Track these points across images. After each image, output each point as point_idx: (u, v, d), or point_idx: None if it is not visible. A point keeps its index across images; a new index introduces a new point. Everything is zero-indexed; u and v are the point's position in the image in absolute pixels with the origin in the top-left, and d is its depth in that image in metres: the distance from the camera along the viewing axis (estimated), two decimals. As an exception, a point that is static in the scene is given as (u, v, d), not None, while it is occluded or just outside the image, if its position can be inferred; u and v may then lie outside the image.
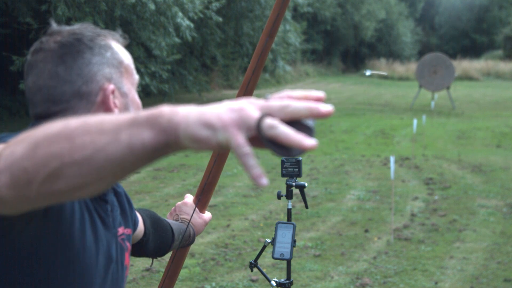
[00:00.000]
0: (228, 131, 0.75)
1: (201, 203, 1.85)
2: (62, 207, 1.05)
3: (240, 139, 0.75)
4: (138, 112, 0.80)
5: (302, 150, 0.76)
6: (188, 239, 1.76)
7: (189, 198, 1.86)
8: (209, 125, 0.76)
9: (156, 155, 0.79)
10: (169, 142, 0.78)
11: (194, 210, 1.81)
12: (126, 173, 0.80)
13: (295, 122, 0.78)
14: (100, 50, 1.20)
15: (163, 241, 1.64)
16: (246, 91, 1.81)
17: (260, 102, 0.79)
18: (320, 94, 0.81)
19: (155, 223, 1.62)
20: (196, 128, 0.76)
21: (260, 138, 0.76)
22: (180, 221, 1.77)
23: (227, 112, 0.76)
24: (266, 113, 0.77)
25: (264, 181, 0.77)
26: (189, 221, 1.79)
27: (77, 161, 0.77)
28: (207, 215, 1.86)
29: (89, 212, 1.16)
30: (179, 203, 1.84)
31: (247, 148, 0.75)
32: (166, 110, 0.78)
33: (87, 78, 1.17)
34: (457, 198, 7.61)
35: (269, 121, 0.75)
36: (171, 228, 1.68)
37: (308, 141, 0.75)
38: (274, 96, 0.81)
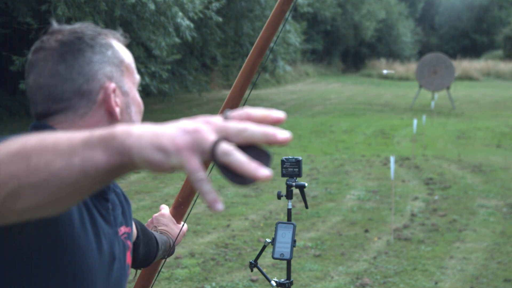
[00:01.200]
0: (181, 155, 0.72)
1: (179, 214, 1.85)
2: None
3: (194, 164, 0.72)
4: (93, 131, 0.77)
5: (256, 180, 0.72)
6: (169, 249, 1.75)
7: (166, 209, 1.86)
8: (162, 149, 0.73)
9: (113, 176, 0.77)
10: (124, 164, 0.75)
11: (184, 222, 1.81)
12: (85, 194, 0.79)
13: (253, 146, 0.75)
14: (101, 48, 1.20)
15: (150, 249, 1.63)
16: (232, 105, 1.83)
17: (218, 123, 0.75)
18: (281, 115, 0.77)
19: (143, 229, 1.61)
20: (149, 152, 0.73)
21: (214, 163, 0.73)
22: (159, 232, 1.77)
23: (181, 134, 0.73)
24: (223, 137, 0.73)
25: (220, 206, 0.73)
26: (180, 229, 1.79)
27: (34, 184, 0.76)
28: (184, 226, 1.86)
29: (88, 211, 1.15)
30: (156, 214, 1.83)
31: (201, 173, 0.72)
32: (119, 132, 0.75)
33: (88, 77, 1.17)
34: (457, 198, 7.61)
35: (224, 147, 0.72)
36: (155, 237, 1.67)
37: (261, 172, 0.72)
38: (233, 114, 0.77)
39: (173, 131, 0.73)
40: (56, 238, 1.06)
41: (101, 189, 1.20)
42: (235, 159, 0.72)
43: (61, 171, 0.75)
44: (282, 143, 0.74)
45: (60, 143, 0.76)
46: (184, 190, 1.89)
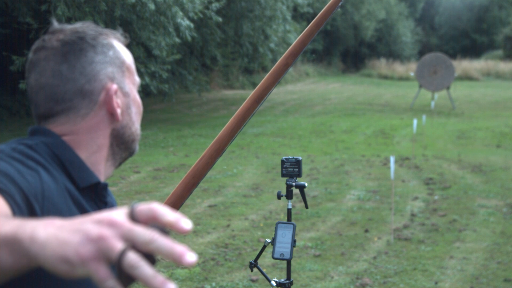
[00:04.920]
0: (87, 266, 0.69)
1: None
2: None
3: (101, 273, 0.69)
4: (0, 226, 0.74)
5: None
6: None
7: None
8: (67, 261, 0.69)
9: (26, 271, 0.75)
10: (33, 266, 0.72)
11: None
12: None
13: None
14: (103, 49, 1.19)
15: None
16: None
17: (124, 227, 0.70)
18: (188, 227, 0.73)
19: None
20: (54, 263, 0.70)
21: (117, 268, 0.70)
22: None
23: (85, 244, 0.69)
24: (129, 245, 0.70)
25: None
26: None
27: None
28: None
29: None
30: None
31: (111, 281, 0.69)
32: (23, 236, 0.72)
33: (90, 77, 1.17)
34: (457, 198, 7.61)
35: (130, 259, 0.69)
36: None
37: (167, 286, 0.69)
38: (140, 210, 0.72)
39: (78, 240, 0.70)
40: None
41: (99, 193, 1.20)
42: (141, 273, 0.69)
43: None
44: (186, 265, 0.70)
45: None
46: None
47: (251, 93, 1.92)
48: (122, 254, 0.69)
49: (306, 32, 1.96)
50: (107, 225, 0.71)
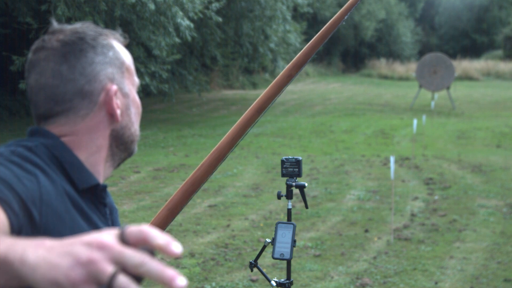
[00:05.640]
0: None
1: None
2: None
3: None
4: None
5: None
6: None
7: None
8: (57, 284, 0.69)
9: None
10: (25, 286, 0.73)
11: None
12: None
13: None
14: (103, 49, 1.19)
15: None
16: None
17: (114, 250, 0.70)
18: (178, 251, 0.72)
19: None
20: (45, 286, 0.70)
21: None
22: None
23: (75, 268, 0.69)
24: (120, 268, 0.70)
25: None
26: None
27: None
28: None
29: (89, 220, 1.14)
30: None
31: None
32: (13, 258, 0.71)
33: (90, 77, 1.16)
34: (457, 198, 7.61)
35: (121, 282, 0.69)
36: None
37: None
38: (130, 232, 0.72)
39: (68, 263, 0.70)
40: None
41: (99, 194, 1.20)
42: None
43: None
44: None
45: None
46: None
47: (253, 103, 1.92)
48: (113, 277, 0.69)
49: (310, 44, 1.96)
50: (97, 247, 0.71)
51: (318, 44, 1.97)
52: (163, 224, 1.89)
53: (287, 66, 1.93)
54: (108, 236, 0.72)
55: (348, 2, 2.03)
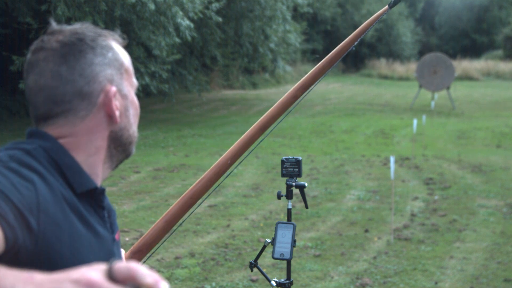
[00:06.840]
0: None
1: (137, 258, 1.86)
2: (48, 239, 1.02)
3: None
4: None
5: None
6: None
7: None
8: None
9: None
10: None
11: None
12: None
13: None
14: (102, 50, 1.19)
15: None
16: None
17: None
18: None
19: None
20: None
21: None
22: None
23: None
24: None
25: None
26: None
27: None
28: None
29: (88, 224, 1.13)
30: None
31: None
32: None
33: (90, 79, 1.16)
34: (457, 198, 7.61)
35: None
36: None
37: None
38: (118, 269, 0.73)
39: None
40: (50, 261, 1.03)
41: (97, 198, 1.20)
42: None
43: None
44: None
45: None
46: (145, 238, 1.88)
47: (256, 121, 1.92)
48: None
49: (318, 67, 1.97)
50: (85, 285, 0.71)
51: (326, 67, 1.98)
52: (159, 236, 1.89)
53: (293, 87, 1.92)
54: (95, 273, 0.73)
55: (359, 28, 2.03)
